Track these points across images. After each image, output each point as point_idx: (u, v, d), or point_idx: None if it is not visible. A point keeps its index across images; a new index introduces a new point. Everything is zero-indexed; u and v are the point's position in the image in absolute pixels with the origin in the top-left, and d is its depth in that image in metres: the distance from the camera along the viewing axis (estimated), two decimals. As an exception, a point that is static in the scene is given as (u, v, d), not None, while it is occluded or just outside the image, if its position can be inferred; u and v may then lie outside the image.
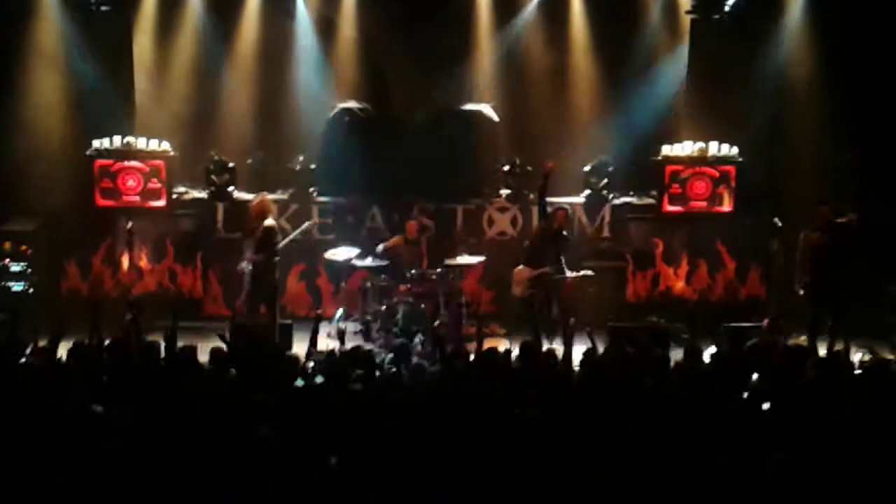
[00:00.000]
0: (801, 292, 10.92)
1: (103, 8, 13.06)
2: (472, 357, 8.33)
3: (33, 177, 12.86)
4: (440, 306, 11.82)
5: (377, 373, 7.71)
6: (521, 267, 11.49)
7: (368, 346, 8.73)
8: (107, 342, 8.31)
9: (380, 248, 12.29)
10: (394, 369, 7.76)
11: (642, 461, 5.61)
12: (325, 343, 9.70)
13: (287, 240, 12.56)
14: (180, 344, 8.18)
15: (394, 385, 7.22)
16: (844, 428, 6.15)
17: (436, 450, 5.60)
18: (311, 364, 8.06)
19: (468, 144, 13.53)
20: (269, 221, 11.22)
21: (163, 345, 8.07)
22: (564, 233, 11.57)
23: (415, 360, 8.21)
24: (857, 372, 8.01)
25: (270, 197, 13.33)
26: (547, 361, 8.17)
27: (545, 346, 9.75)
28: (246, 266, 11.09)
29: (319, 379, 7.43)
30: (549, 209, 11.38)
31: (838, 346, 10.61)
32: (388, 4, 13.79)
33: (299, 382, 7.44)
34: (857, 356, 9.80)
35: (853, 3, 12.54)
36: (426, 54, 13.90)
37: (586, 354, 8.28)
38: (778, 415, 6.53)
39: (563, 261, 11.35)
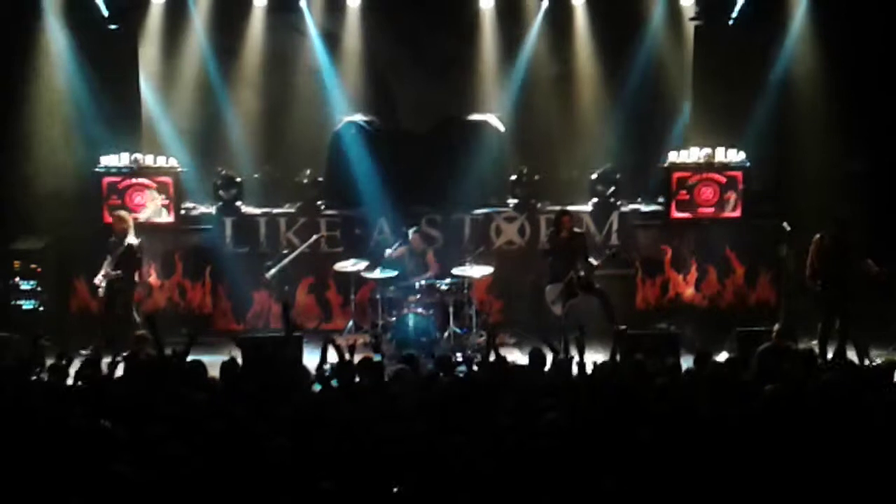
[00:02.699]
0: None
1: (110, 26, 13.13)
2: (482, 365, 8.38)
3: (41, 195, 12.90)
4: (449, 316, 11.84)
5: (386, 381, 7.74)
6: (549, 287, 11.53)
7: (377, 357, 8.71)
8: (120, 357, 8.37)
9: (388, 252, 12.35)
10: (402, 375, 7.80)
11: (653, 467, 5.61)
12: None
13: (295, 253, 12.65)
14: (189, 359, 8.21)
15: (405, 393, 7.22)
16: (856, 431, 6.14)
17: (447, 457, 5.60)
18: (327, 368, 8.12)
19: (474, 154, 13.53)
20: (131, 239, 11.44)
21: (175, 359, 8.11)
22: (576, 229, 11.72)
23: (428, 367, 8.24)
24: (871, 374, 7.98)
25: (276, 211, 13.44)
26: (560, 369, 8.19)
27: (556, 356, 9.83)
28: (101, 281, 11.43)
29: (335, 382, 7.51)
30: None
31: (850, 349, 10.67)
32: (392, 16, 13.84)
33: (316, 387, 7.52)
34: (871, 358, 9.83)
35: (858, 10, 12.54)
36: (431, 65, 13.98)
37: (598, 363, 8.31)
38: (790, 419, 6.52)
39: (587, 257, 11.61)
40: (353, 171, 13.39)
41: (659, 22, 13.62)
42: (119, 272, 11.33)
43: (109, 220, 12.93)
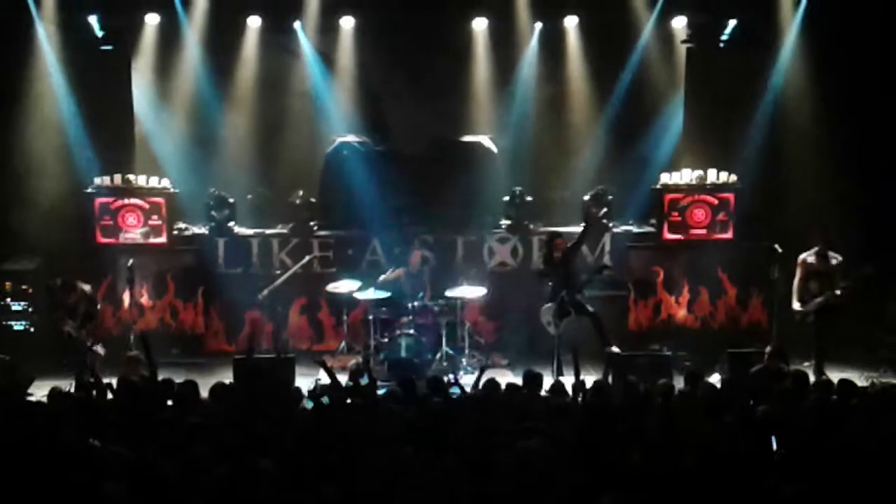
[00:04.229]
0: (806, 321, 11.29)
1: (104, 46, 13.16)
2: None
3: (34, 215, 12.85)
4: (442, 337, 11.83)
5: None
6: (544, 307, 11.52)
7: (364, 380, 8.70)
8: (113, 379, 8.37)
9: (381, 279, 12.34)
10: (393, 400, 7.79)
11: (646, 489, 5.60)
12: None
13: (288, 274, 12.62)
14: (181, 379, 8.22)
15: (395, 415, 7.21)
16: (851, 452, 6.13)
17: (442, 479, 5.58)
18: (318, 385, 8.16)
19: (467, 175, 13.56)
20: (85, 287, 11.08)
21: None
22: (568, 245, 11.69)
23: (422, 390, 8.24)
24: (864, 396, 7.98)
25: (268, 232, 13.44)
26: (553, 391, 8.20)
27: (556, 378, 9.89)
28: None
29: (326, 400, 7.52)
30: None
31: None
32: (386, 38, 13.88)
33: (308, 404, 7.54)
34: (862, 381, 9.85)
35: (849, 31, 12.61)
36: (424, 87, 14.01)
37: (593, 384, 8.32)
38: (784, 441, 6.52)
39: (577, 276, 11.61)
40: (346, 191, 13.39)
41: (651, 44, 13.69)
42: (91, 326, 11.01)
43: (101, 240, 12.98)
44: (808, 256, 11.37)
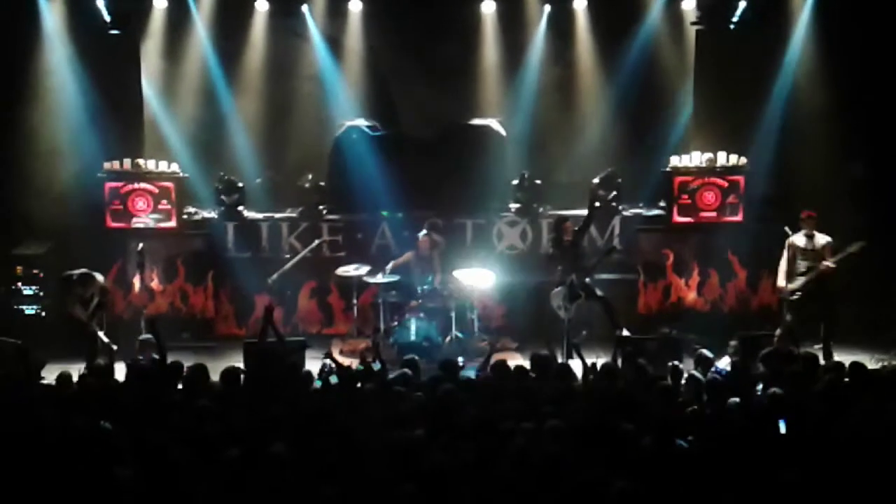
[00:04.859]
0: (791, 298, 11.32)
1: (112, 31, 13.15)
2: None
3: (44, 200, 12.88)
4: (452, 321, 11.83)
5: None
6: (554, 291, 11.49)
7: (377, 367, 8.72)
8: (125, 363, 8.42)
9: (389, 266, 12.33)
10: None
11: (657, 471, 5.61)
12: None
13: (297, 258, 12.64)
14: (191, 363, 8.26)
15: (404, 399, 7.22)
16: (860, 435, 6.13)
17: (450, 463, 5.60)
18: (327, 364, 8.21)
19: (476, 159, 13.53)
20: (100, 278, 11.02)
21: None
22: (575, 228, 11.66)
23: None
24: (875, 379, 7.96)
25: (278, 216, 13.45)
26: (561, 374, 8.20)
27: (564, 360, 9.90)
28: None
29: (334, 379, 7.56)
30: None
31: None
32: (394, 22, 13.85)
33: (317, 384, 7.57)
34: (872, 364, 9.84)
35: (861, 13, 12.52)
36: (433, 70, 13.99)
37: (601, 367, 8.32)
38: (794, 423, 6.52)
39: (586, 259, 11.56)
40: (356, 175, 13.38)
41: (660, 26, 13.63)
42: (101, 315, 10.97)
43: (112, 225, 13.02)
44: (796, 238, 11.40)
